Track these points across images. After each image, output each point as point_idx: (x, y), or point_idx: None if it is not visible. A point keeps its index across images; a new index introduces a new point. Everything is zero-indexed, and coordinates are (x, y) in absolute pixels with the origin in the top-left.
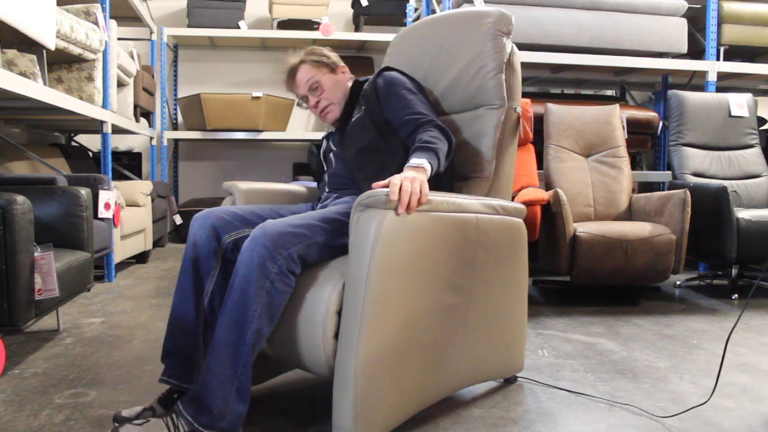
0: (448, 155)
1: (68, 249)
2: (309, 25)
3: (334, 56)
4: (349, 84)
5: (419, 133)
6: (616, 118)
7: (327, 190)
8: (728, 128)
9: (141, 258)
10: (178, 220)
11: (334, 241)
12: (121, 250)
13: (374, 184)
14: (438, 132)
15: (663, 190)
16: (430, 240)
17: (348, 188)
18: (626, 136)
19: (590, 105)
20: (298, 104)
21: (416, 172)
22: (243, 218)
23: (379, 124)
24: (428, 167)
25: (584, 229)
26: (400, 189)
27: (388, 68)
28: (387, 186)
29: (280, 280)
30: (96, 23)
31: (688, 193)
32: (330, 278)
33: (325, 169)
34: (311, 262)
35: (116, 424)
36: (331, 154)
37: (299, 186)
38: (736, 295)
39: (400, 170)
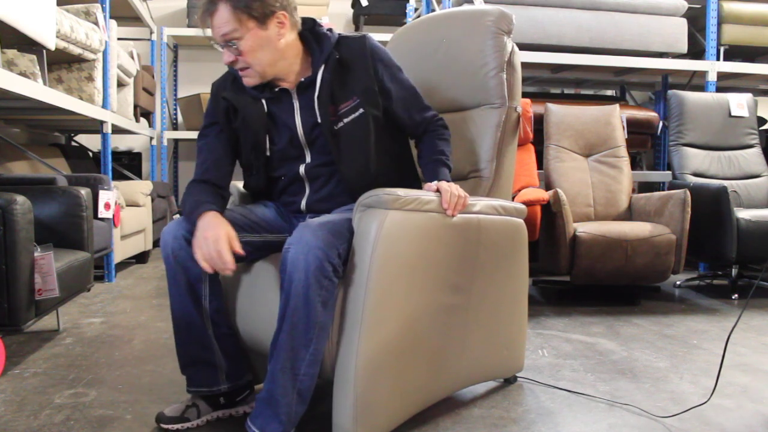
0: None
1: (68, 249)
2: None
3: None
4: (290, 39)
5: (432, 138)
6: (616, 118)
7: (307, 186)
8: (728, 128)
9: (141, 258)
10: None
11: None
12: (121, 250)
13: (426, 186)
14: (446, 133)
15: (663, 190)
16: (430, 240)
17: (326, 177)
18: (626, 136)
19: (590, 105)
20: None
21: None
22: None
23: (378, 119)
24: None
25: (584, 229)
26: (448, 194)
27: (368, 37)
28: (436, 190)
29: (336, 275)
30: (96, 23)
31: (688, 193)
32: None
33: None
34: (345, 260)
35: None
36: (302, 140)
37: None
38: (736, 295)
39: (399, 156)
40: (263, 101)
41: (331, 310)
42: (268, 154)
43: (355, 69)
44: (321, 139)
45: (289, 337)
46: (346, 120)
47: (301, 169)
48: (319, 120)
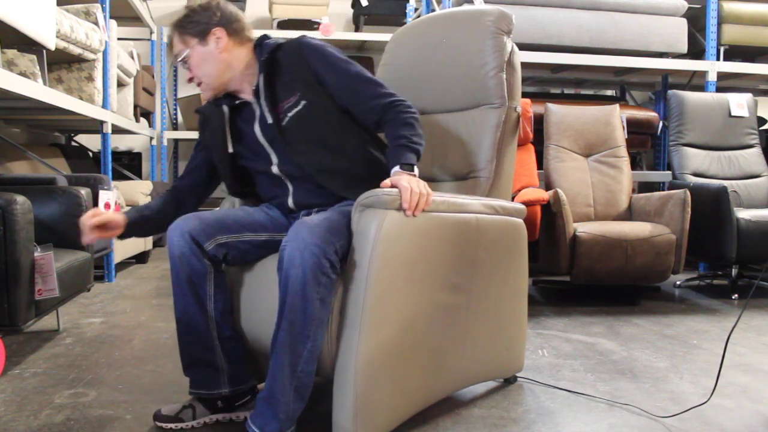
0: (423, 143)
1: (68, 249)
2: (309, 25)
3: (202, 14)
4: (236, 52)
5: (390, 122)
6: (616, 118)
7: (290, 187)
8: (728, 128)
9: (141, 258)
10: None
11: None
12: (121, 250)
13: (383, 183)
14: (408, 116)
15: (663, 190)
16: (430, 240)
17: (305, 181)
18: (626, 136)
19: (590, 105)
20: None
21: (410, 175)
22: (215, 224)
23: (327, 108)
24: (416, 170)
25: (584, 229)
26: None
27: (304, 38)
28: (392, 186)
29: (334, 271)
30: (96, 23)
31: (688, 193)
32: None
33: (252, 158)
34: (343, 257)
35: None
36: (263, 142)
37: None
38: (736, 295)
39: (362, 148)
40: (225, 109)
41: (329, 307)
42: (231, 151)
43: (291, 67)
44: (277, 138)
45: (287, 334)
46: (290, 114)
47: (274, 169)
48: (269, 121)
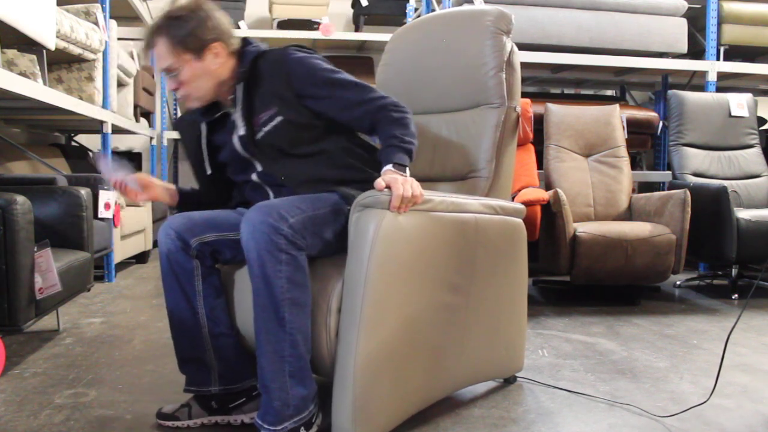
0: (415, 142)
1: (68, 249)
2: (309, 25)
3: (200, 28)
4: (227, 63)
5: (382, 123)
6: (616, 118)
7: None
8: (728, 128)
9: (141, 258)
10: None
11: (327, 217)
12: (121, 250)
13: (376, 184)
14: (399, 115)
15: (663, 190)
16: (429, 240)
17: (285, 187)
18: (626, 136)
19: (590, 105)
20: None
21: (402, 175)
22: (202, 223)
23: (303, 125)
24: (408, 170)
25: (584, 229)
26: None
27: (291, 48)
28: (387, 187)
29: (293, 247)
30: (96, 23)
31: (688, 193)
32: (331, 275)
33: (230, 165)
34: (312, 238)
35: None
36: (242, 152)
37: None
38: (736, 295)
39: (342, 150)
40: (203, 127)
41: (303, 287)
42: (208, 172)
43: (271, 80)
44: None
45: (260, 320)
46: (265, 129)
47: (254, 176)
48: (242, 132)
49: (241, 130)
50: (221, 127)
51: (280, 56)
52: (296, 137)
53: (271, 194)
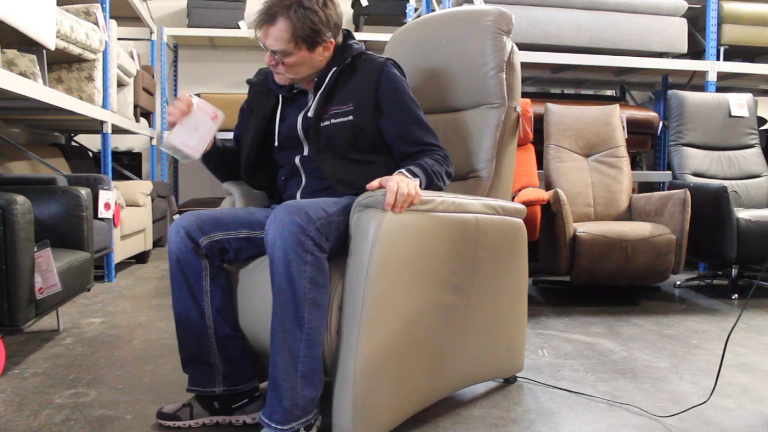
0: (442, 185)
1: (68, 249)
2: None
3: (324, 25)
4: (327, 55)
5: (420, 155)
6: (616, 118)
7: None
8: (728, 128)
9: (141, 258)
10: None
11: (344, 223)
12: (121, 250)
13: (368, 185)
14: (441, 158)
15: (663, 190)
16: (429, 240)
17: (319, 179)
18: (626, 136)
19: (590, 105)
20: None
21: (408, 177)
22: (211, 221)
23: (366, 133)
24: (419, 182)
25: (584, 229)
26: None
27: (390, 62)
28: (380, 186)
29: (319, 249)
30: (96, 23)
31: (688, 193)
32: (332, 275)
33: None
34: (331, 242)
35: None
36: (300, 132)
37: None
38: (736, 295)
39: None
40: (280, 97)
41: (324, 290)
42: (276, 144)
43: (361, 79)
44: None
45: (279, 318)
46: (333, 121)
47: (297, 159)
48: (310, 114)
49: (311, 112)
50: (290, 102)
51: (380, 64)
52: (355, 141)
53: (304, 181)
